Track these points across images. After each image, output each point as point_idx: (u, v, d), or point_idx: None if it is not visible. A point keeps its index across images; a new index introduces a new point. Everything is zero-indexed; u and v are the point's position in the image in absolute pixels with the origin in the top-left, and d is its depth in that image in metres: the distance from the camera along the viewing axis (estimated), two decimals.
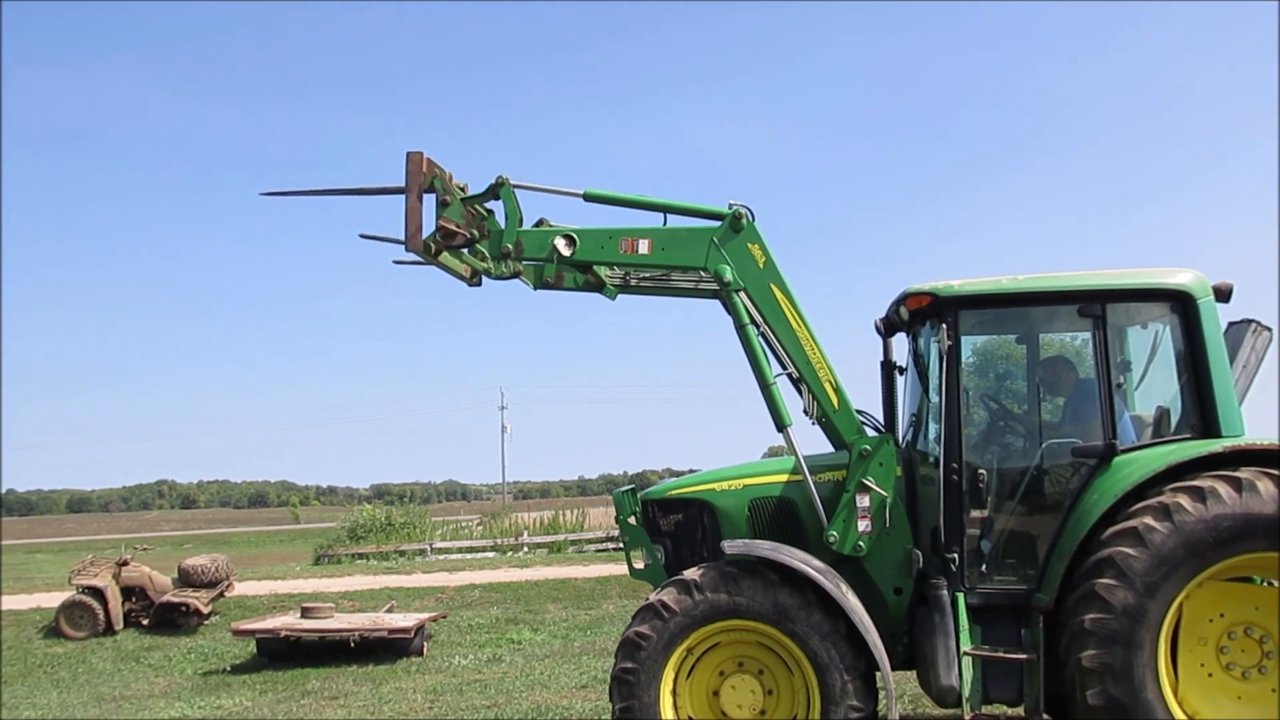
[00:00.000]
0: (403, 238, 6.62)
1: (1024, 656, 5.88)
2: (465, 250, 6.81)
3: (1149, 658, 5.39)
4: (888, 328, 7.23)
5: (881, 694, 5.89)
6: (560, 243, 6.68)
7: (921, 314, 6.53)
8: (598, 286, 6.99)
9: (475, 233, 6.69)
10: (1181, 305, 6.10)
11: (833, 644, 5.76)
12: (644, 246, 6.69)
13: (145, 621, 15.67)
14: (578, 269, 6.89)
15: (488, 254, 6.74)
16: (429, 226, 6.58)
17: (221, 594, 16.44)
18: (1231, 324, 6.78)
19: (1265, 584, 5.84)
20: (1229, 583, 5.63)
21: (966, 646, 5.93)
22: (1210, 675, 5.58)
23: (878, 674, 5.83)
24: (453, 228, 6.57)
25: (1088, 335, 6.29)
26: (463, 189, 6.73)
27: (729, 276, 6.54)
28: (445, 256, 6.78)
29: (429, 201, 6.62)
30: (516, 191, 6.76)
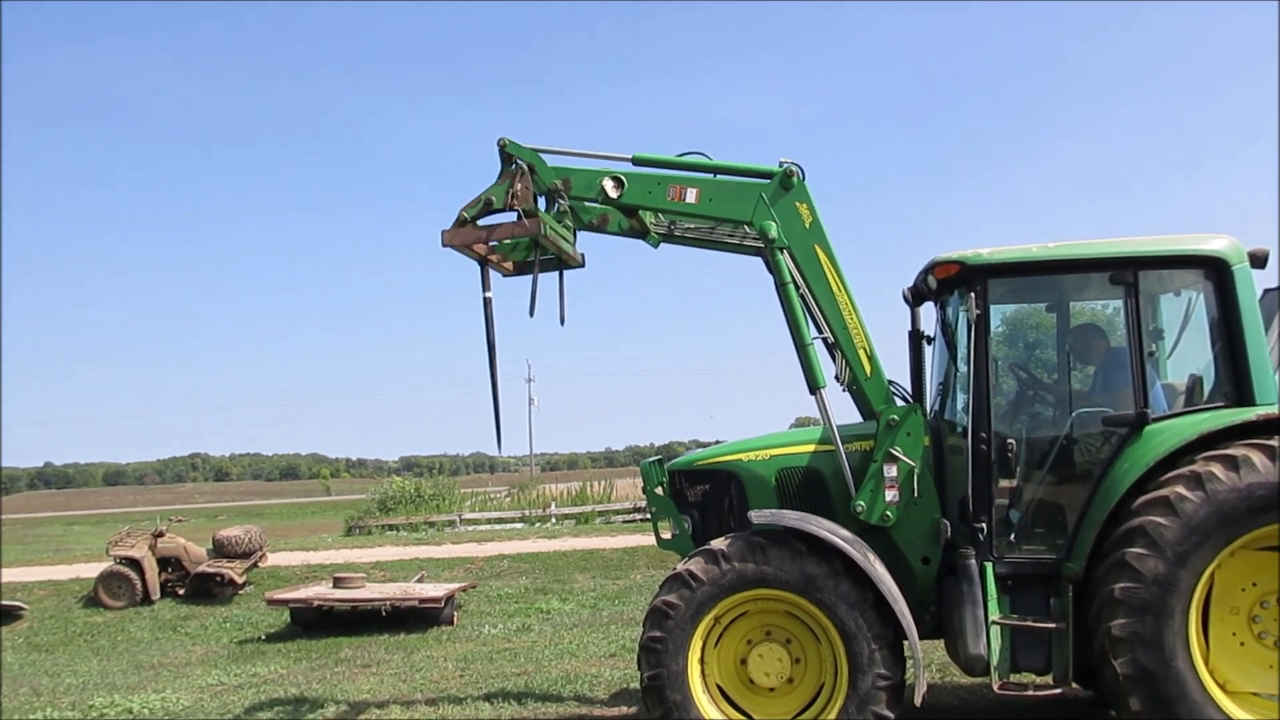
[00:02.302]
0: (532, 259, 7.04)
1: (1052, 625, 5.87)
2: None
3: (1179, 627, 5.36)
4: (916, 297, 7.17)
5: (909, 662, 5.90)
6: (609, 183, 6.75)
7: (950, 283, 6.47)
8: (642, 233, 7.02)
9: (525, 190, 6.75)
10: (1216, 272, 6.01)
11: (860, 613, 5.78)
12: (691, 195, 6.70)
13: (181, 591, 15.95)
14: (623, 213, 6.92)
15: (537, 190, 6.78)
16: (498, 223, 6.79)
17: (255, 564, 16.69)
18: (1267, 291, 6.70)
19: None
20: (1262, 552, 5.58)
21: (995, 615, 5.92)
22: (1242, 644, 5.55)
23: (905, 643, 5.84)
24: (515, 191, 6.64)
25: (1119, 303, 6.21)
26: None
27: (774, 234, 6.52)
28: (551, 237, 6.81)
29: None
30: (562, 159, 6.89)
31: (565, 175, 6.87)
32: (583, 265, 7.51)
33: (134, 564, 15.72)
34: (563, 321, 7.48)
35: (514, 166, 6.80)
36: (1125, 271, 6.04)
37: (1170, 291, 6.45)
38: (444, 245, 6.76)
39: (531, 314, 6.93)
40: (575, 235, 7.22)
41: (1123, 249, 6.10)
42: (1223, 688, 5.45)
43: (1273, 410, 5.66)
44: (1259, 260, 6.14)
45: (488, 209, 6.83)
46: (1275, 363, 6.47)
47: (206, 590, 15.89)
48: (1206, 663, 5.47)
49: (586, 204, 7.00)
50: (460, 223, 6.81)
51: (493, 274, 7.15)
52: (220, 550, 16.40)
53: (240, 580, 16.00)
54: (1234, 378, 5.94)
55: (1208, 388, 6.15)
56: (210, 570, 15.92)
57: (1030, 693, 5.94)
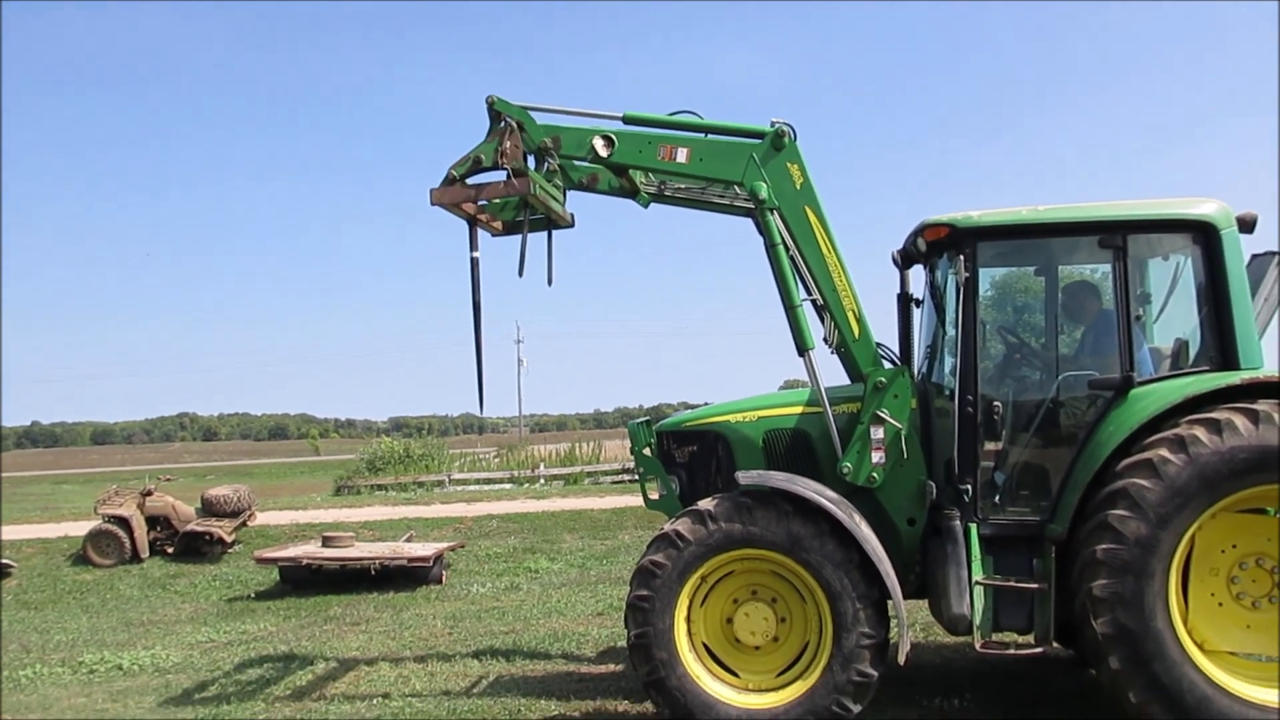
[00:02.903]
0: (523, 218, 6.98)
1: (1035, 586, 5.94)
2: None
3: (1160, 588, 5.43)
4: (905, 260, 7.17)
5: (893, 622, 5.97)
6: (599, 142, 6.67)
7: (939, 245, 6.46)
8: (632, 193, 6.99)
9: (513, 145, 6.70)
10: (1204, 236, 6.01)
11: (845, 573, 5.83)
12: (682, 155, 6.65)
13: (170, 550, 15.96)
14: (613, 172, 6.88)
15: (526, 148, 6.73)
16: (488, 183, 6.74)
17: (244, 523, 16.71)
18: (1255, 256, 6.70)
19: (1279, 515, 5.86)
20: (1242, 514, 5.64)
21: (978, 576, 5.98)
22: (1220, 605, 5.63)
23: (889, 603, 5.90)
24: (503, 149, 6.60)
25: (1107, 268, 6.22)
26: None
27: (764, 194, 6.49)
28: (541, 196, 6.77)
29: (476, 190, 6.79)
30: (552, 118, 6.81)
31: (555, 133, 6.80)
32: (572, 225, 7.48)
33: (122, 522, 15.71)
34: (550, 282, 7.46)
35: (503, 124, 6.73)
36: (1114, 235, 6.04)
37: (1159, 256, 6.45)
38: (432, 204, 6.70)
39: (520, 274, 6.90)
40: (565, 195, 7.17)
41: (1112, 212, 6.10)
42: (1200, 647, 5.54)
43: (1257, 374, 5.70)
44: (1247, 225, 6.15)
45: (476, 167, 6.76)
46: (1263, 328, 6.50)
47: (195, 549, 15.92)
48: (1185, 623, 5.55)
49: (576, 163, 6.94)
50: (449, 181, 6.75)
51: (481, 233, 7.10)
52: (209, 509, 16.40)
53: (229, 539, 16.02)
54: (1219, 342, 5.98)
55: (1193, 352, 6.18)
56: (199, 529, 15.93)
57: (1012, 652, 6.03)
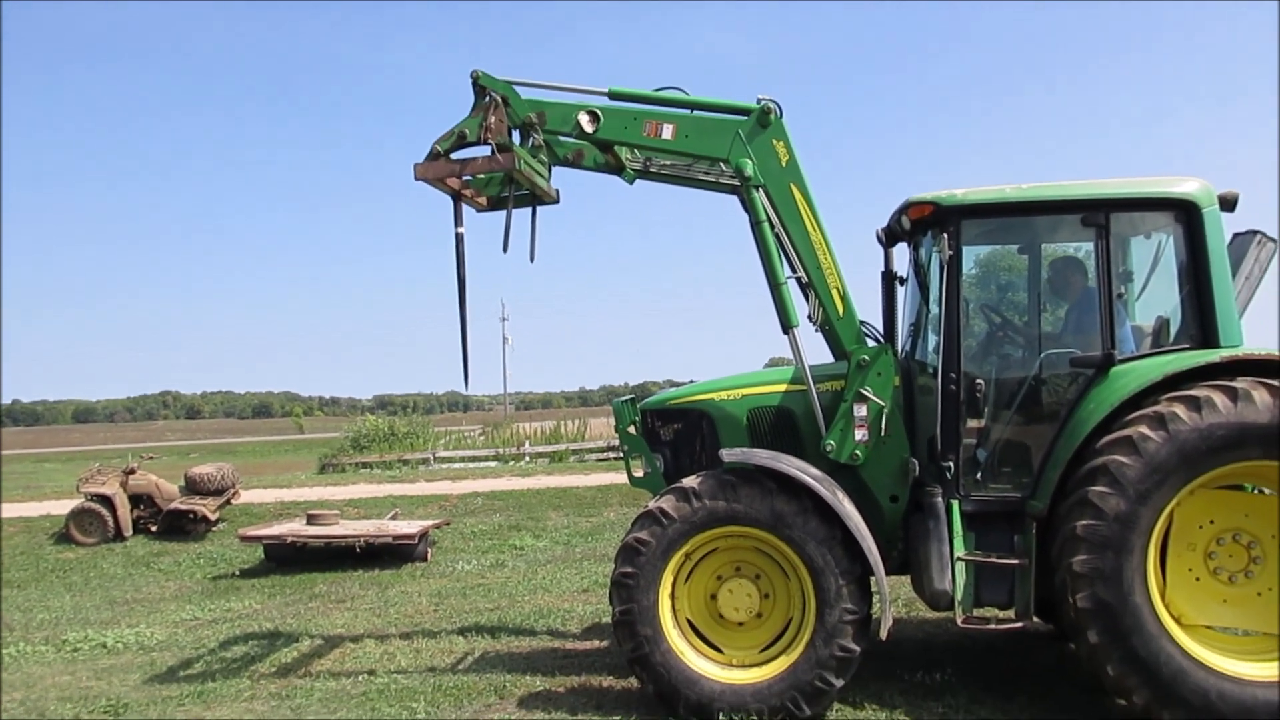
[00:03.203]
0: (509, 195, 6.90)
1: (1016, 561, 5.99)
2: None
3: (1138, 563, 5.49)
4: (889, 238, 7.18)
5: (876, 598, 6.02)
6: (584, 118, 6.66)
7: (924, 223, 6.48)
8: (617, 169, 6.96)
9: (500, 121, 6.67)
10: (1186, 215, 6.04)
11: (829, 549, 5.87)
12: (668, 131, 6.63)
13: (154, 528, 15.92)
14: (599, 148, 6.86)
15: (511, 123, 6.69)
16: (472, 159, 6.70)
17: (228, 501, 16.67)
18: (1236, 235, 6.74)
19: (1256, 491, 5.93)
20: (1220, 490, 5.71)
21: (960, 552, 6.03)
22: (1197, 579, 5.70)
23: (872, 578, 5.95)
24: (488, 125, 6.57)
25: (1090, 246, 6.24)
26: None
27: (749, 171, 6.48)
28: (526, 172, 6.75)
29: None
30: (537, 93, 6.78)
31: (540, 109, 6.76)
32: (557, 201, 7.45)
33: (105, 501, 15.65)
34: (532, 258, 7.42)
35: (487, 99, 6.69)
36: (1097, 213, 6.07)
37: (1141, 234, 6.48)
38: (416, 178, 6.66)
39: (505, 249, 6.87)
40: (550, 171, 7.14)
41: (1095, 191, 6.12)
42: (1177, 621, 5.61)
43: (1236, 352, 5.75)
44: (1229, 204, 6.18)
45: (461, 142, 6.72)
46: (1243, 306, 6.55)
47: (179, 527, 15.87)
48: (1163, 597, 5.61)
49: (561, 138, 6.91)
50: (433, 156, 6.71)
51: (466, 209, 7.07)
52: (193, 487, 16.35)
53: (213, 517, 15.98)
54: (1200, 320, 6.02)
55: (1174, 330, 6.23)
56: (183, 507, 15.88)
57: (992, 626, 6.09)
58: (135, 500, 16.07)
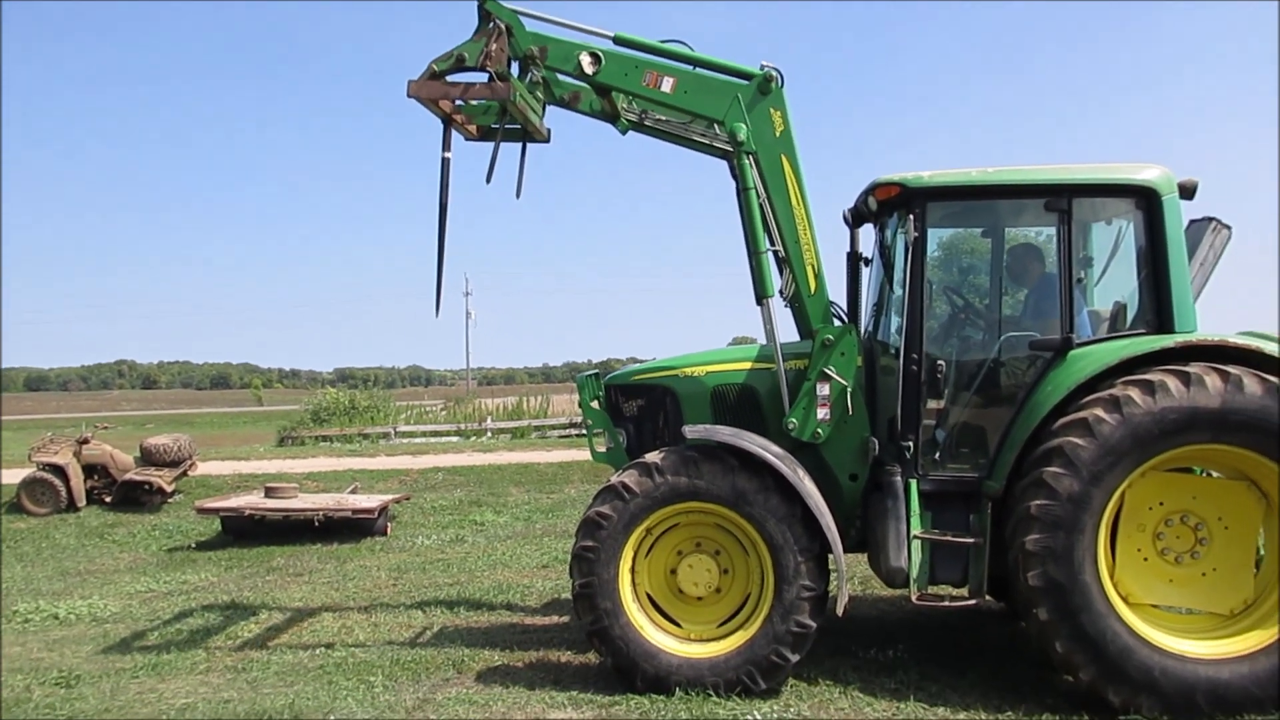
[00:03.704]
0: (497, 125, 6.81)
1: (971, 540, 6.08)
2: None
3: (1089, 542, 5.59)
4: (855, 218, 7.21)
5: (833, 575, 6.09)
6: (585, 59, 6.56)
7: (890, 205, 6.52)
8: (612, 117, 6.88)
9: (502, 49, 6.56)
10: (1146, 201, 6.13)
11: (788, 526, 5.92)
12: (667, 84, 6.57)
13: (108, 499, 15.70)
14: (597, 92, 6.79)
15: (512, 54, 6.60)
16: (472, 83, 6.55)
17: (184, 473, 16.47)
18: (1193, 221, 6.85)
19: (1204, 474, 6.06)
20: (1170, 473, 5.83)
21: (917, 531, 6.11)
22: (1146, 560, 5.82)
23: (830, 556, 6.02)
24: (488, 51, 6.45)
25: (1053, 230, 6.31)
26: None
27: (743, 136, 6.46)
28: (520, 105, 6.62)
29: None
30: (542, 27, 6.67)
31: (543, 43, 6.63)
32: (548, 140, 7.27)
33: (58, 470, 15.39)
34: (518, 194, 7.24)
35: (491, 25, 6.54)
36: (1060, 198, 6.13)
37: (1102, 220, 6.57)
38: (409, 95, 6.45)
39: (488, 180, 6.78)
40: (544, 109, 7.02)
41: (1058, 176, 6.19)
42: (1125, 600, 5.73)
43: (1190, 337, 5.86)
44: (1188, 191, 6.28)
45: (459, 65, 6.56)
46: (1198, 291, 6.66)
47: (134, 498, 15.67)
48: (1111, 576, 5.73)
49: (560, 77, 6.78)
50: (430, 75, 6.54)
51: (455, 137, 6.89)
52: (148, 458, 16.14)
53: (169, 489, 15.79)
54: (1156, 305, 6.11)
55: (1131, 314, 6.32)
56: (138, 478, 15.68)
57: (946, 604, 6.19)
58: (89, 470, 15.83)
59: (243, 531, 13.42)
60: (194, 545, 13.41)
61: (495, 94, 6.44)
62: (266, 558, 12.14)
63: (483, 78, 6.53)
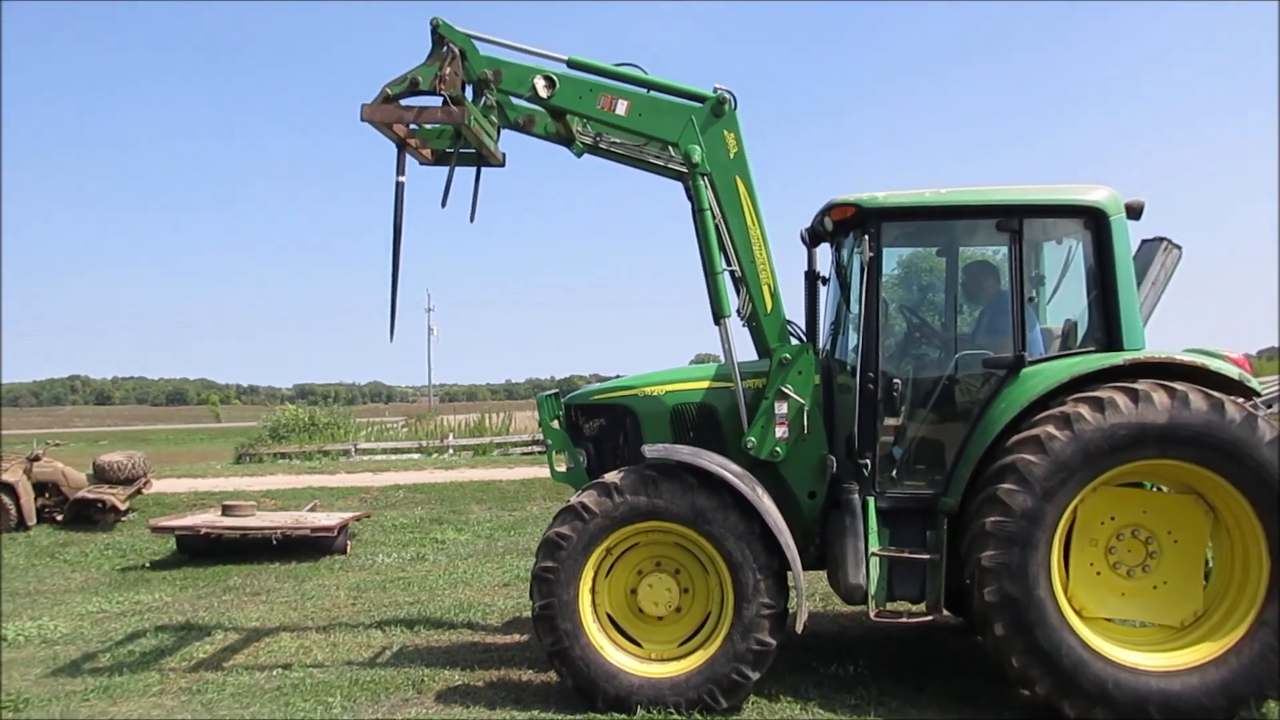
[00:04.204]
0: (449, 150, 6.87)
1: (928, 557, 6.16)
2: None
3: (1043, 558, 5.68)
4: (813, 238, 7.28)
5: (793, 592, 6.12)
6: (540, 82, 6.56)
7: (845, 225, 6.59)
8: (568, 140, 6.89)
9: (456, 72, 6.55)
10: (1095, 222, 6.26)
11: (747, 544, 5.95)
12: (622, 108, 6.60)
13: (59, 517, 15.39)
14: (552, 115, 6.80)
15: (466, 77, 6.60)
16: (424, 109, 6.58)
17: (139, 491, 16.20)
18: (1144, 241, 7.01)
19: (1154, 489, 6.18)
20: (1121, 488, 5.94)
21: (874, 547, 6.17)
22: (1098, 574, 5.93)
23: (789, 573, 6.05)
24: (442, 74, 6.45)
25: (1005, 250, 6.42)
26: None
27: (698, 158, 6.50)
28: (475, 129, 6.61)
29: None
30: (496, 51, 6.68)
31: (497, 67, 6.63)
32: (503, 164, 7.30)
33: (7, 488, 15.05)
34: (472, 218, 7.26)
35: (445, 49, 6.54)
36: (1011, 219, 6.25)
37: (1053, 239, 6.70)
38: (363, 119, 6.43)
39: (443, 204, 6.77)
40: (499, 133, 7.02)
41: (1009, 197, 6.30)
42: (1079, 614, 5.83)
43: (1139, 355, 5.99)
44: (1134, 212, 6.43)
45: (413, 89, 6.55)
46: (1150, 310, 6.81)
47: (87, 517, 15.37)
48: (1065, 591, 5.83)
49: (514, 100, 6.80)
50: (383, 99, 6.52)
51: (409, 160, 6.89)
52: (101, 476, 15.85)
53: (123, 507, 15.51)
54: (1105, 324, 6.24)
55: (1082, 332, 6.45)
56: (91, 496, 15.39)
57: (904, 620, 6.24)
58: (40, 488, 15.52)
59: (198, 550, 13.21)
60: (148, 564, 13.17)
61: (450, 118, 6.45)
62: (223, 577, 11.96)
63: (437, 101, 6.53)
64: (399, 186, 6.67)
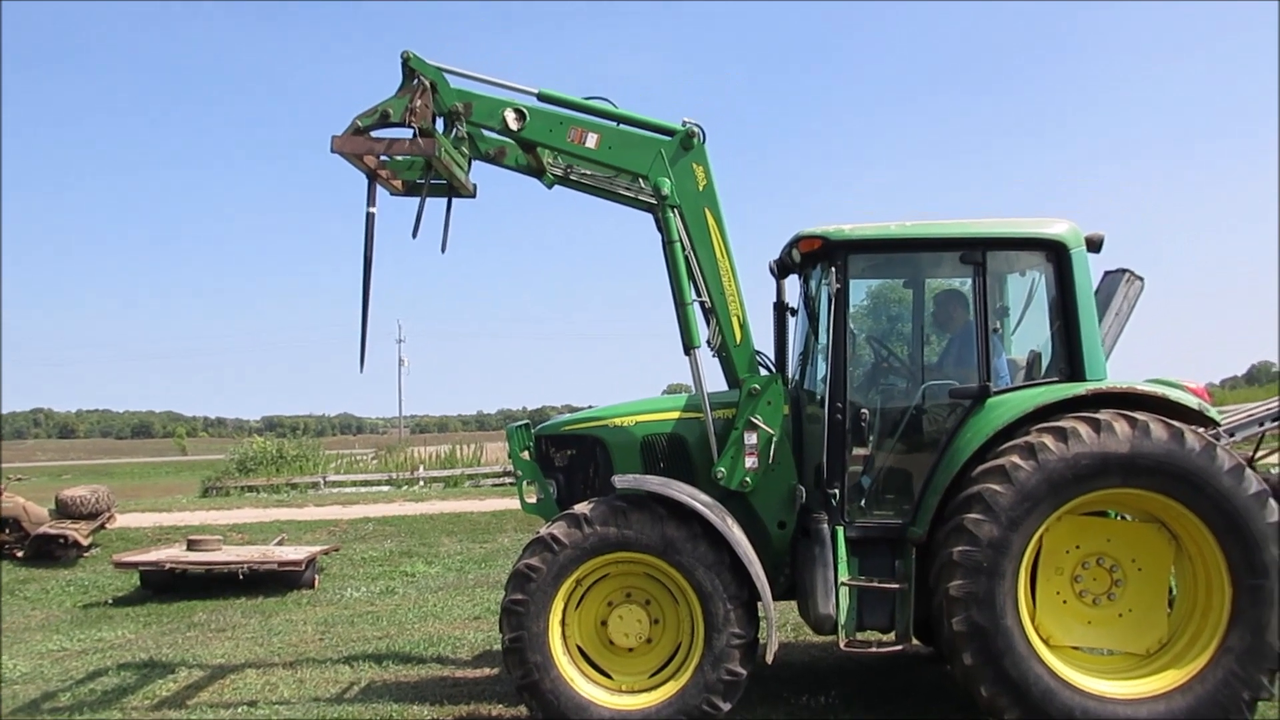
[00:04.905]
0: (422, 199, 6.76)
1: (896, 586, 6.19)
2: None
3: (1010, 587, 5.73)
4: (781, 269, 7.36)
5: (763, 622, 6.13)
6: (510, 115, 6.60)
7: (813, 257, 6.67)
8: (538, 172, 6.93)
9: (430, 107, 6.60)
10: (1056, 254, 6.38)
11: (717, 574, 5.96)
12: (592, 140, 6.65)
13: (20, 554, 15.11)
14: (522, 148, 6.84)
15: (436, 110, 6.63)
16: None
17: (102, 526, 15.95)
18: (1107, 273, 7.15)
19: (1118, 518, 6.26)
20: (1085, 516, 6.02)
21: (844, 577, 6.19)
22: (1065, 602, 5.98)
23: (759, 603, 6.06)
24: (412, 107, 6.47)
25: (970, 281, 6.52)
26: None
27: (667, 191, 6.56)
28: (445, 161, 6.60)
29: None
30: (466, 83, 6.72)
31: (467, 99, 6.67)
32: (473, 196, 7.32)
33: None
34: (444, 249, 7.27)
35: (415, 82, 6.58)
36: (975, 251, 6.36)
37: (1016, 271, 6.81)
38: (333, 150, 6.44)
39: (414, 235, 6.77)
40: (470, 164, 7.03)
41: (973, 230, 6.41)
42: (1046, 642, 5.87)
43: (1101, 385, 6.09)
44: (1094, 245, 6.56)
45: (384, 121, 6.57)
46: (1114, 340, 6.93)
47: (48, 552, 15.10)
48: (1032, 619, 5.87)
49: (485, 133, 6.84)
50: (354, 130, 6.54)
51: (380, 192, 6.90)
52: (64, 510, 15.60)
53: (85, 542, 15.27)
54: (1068, 354, 6.34)
55: (1045, 363, 6.55)
56: (53, 531, 15.13)
57: (874, 649, 6.26)
58: (0, 524, 15.24)
59: (163, 586, 13.00)
60: (111, 601, 12.94)
61: (420, 150, 6.48)
62: (188, 613, 11.77)
63: (407, 133, 6.56)
64: (369, 217, 6.69)
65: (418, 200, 6.80)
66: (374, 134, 6.58)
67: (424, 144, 6.45)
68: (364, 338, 6.92)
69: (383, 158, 6.79)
